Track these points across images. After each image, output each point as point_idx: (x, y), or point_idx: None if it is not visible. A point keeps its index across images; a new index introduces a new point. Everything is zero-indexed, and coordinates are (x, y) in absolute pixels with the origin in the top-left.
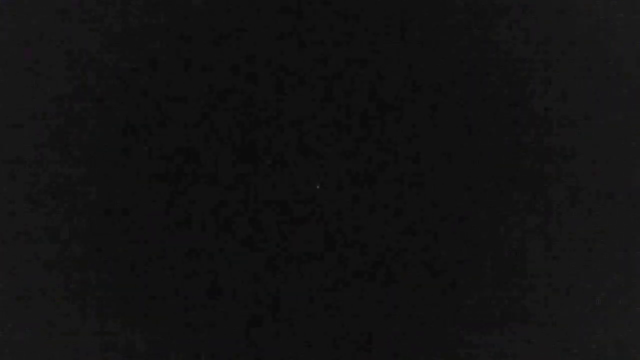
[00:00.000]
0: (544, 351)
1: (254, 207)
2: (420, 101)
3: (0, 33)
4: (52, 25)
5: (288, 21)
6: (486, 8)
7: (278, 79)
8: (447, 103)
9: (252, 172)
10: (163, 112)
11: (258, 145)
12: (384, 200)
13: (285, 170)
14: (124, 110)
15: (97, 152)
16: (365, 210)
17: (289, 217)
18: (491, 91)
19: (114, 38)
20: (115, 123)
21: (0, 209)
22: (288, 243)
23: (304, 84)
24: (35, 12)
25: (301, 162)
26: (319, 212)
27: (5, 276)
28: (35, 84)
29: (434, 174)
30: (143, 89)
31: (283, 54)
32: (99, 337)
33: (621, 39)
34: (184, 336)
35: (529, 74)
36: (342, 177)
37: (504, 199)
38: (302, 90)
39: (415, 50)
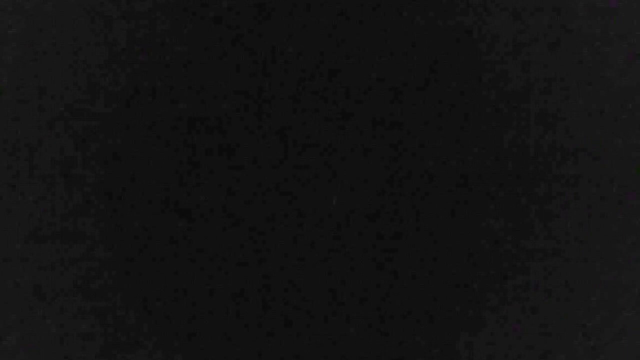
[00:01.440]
0: (543, 350)
1: (263, 218)
2: (417, 100)
3: (3, 32)
4: (58, 28)
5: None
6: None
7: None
8: (444, 103)
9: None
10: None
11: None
12: (382, 197)
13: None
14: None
15: (102, 153)
16: (365, 208)
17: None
18: (491, 92)
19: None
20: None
21: (2, 212)
22: (293, 238)
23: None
24: (42, 12)
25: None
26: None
27: (7, 276)
28: (43, 84)
29: (431, 173)
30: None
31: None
32: (102, 337)
33: (622, 40)
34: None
35: (529, 73)
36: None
37: (503, 199)
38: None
39: (412, 51)
